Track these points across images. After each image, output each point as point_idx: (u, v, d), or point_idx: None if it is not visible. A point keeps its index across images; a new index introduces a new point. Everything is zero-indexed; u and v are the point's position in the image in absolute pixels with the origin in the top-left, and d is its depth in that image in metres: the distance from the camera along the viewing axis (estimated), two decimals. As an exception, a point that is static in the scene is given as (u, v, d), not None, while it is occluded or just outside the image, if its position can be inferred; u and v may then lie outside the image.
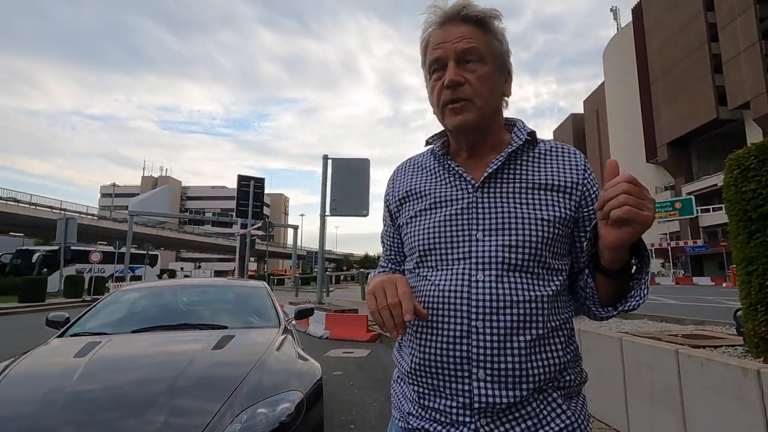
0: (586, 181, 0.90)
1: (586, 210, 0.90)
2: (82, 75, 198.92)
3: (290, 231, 48.19)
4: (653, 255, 45.15)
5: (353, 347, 7.61)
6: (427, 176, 0.97)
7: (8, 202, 35.97)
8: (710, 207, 41.19)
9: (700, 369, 2.41)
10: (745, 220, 2.46)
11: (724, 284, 27.92)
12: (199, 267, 71.94)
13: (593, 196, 0.90)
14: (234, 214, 21.90)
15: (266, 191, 22.44)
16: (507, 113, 0.97)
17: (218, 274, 63.34)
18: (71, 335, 2.90)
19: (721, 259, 37.72)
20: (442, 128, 0.98)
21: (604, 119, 66.40)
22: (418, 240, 0.91)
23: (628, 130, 56.54)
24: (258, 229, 22.88)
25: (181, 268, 68.58)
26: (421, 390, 0.87)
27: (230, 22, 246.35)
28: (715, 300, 14.75)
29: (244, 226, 21.22)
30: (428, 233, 0.89)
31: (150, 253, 33.43)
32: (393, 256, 1.07)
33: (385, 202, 1.07)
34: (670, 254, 41.90)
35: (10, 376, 2.10)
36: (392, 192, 1.03)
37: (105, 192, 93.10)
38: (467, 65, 0.85)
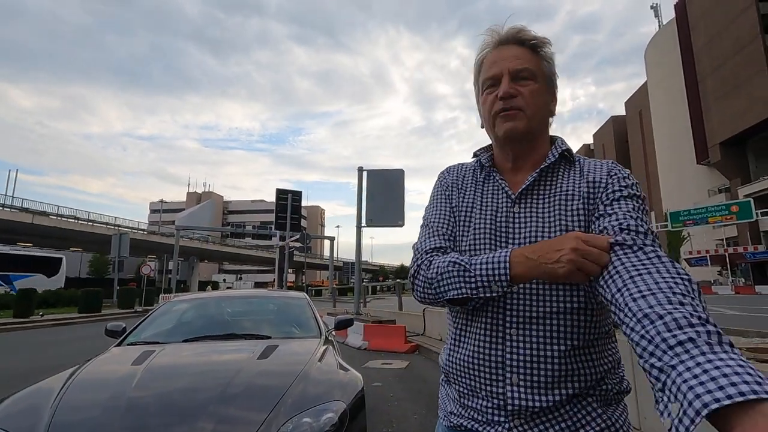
0: (611, 179, 0.88)
1: (609, 196, 0.86)
2: (131, 98, 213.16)
3: (327, 242, 48.98)
4: (709, 263, 42.10)
5: (392, 358, 7.59)
6: (473, 184, 1.02)
7: (69, 220, 38.76)
8: (772, 210, 38.20)
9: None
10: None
11: (792, 293, 25.66)
12: (240, 278, 74.42)
13: (616, 186, 0.86)
14: (273, 226, 22.55)
15: (303, 204, 23.02)
16: None
17: (258, 285, 65.21)
18: (128, 344, 3.08)
19: (787, 266, 34.73)
20: (486, 143, 1.04)
21: (648, 121, 63.41)
22: (464, 245, 0.95)
23: (674, 131, 53.69)
24: (296, 241, 23.41)
25: (224, 280, 71.25)
26: (461, 390, 0.92)
27: (265, 42, 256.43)
28: (782, 311, 13.57)
29: (282, 238, 21.78)
30: (472, 240, 0.93)
31: (47, 255, 29.50)
32: (448, 234, 0.96)
33: (439, 187, 1.04)
34: (727, 261, 38.99)
35: (77, 381, 2.26)
36: (448, 179, 1.05)
37: (154, 208, 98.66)
38: (520, 81, 0.92)
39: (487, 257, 0.82)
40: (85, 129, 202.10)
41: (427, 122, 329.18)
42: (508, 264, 0.79)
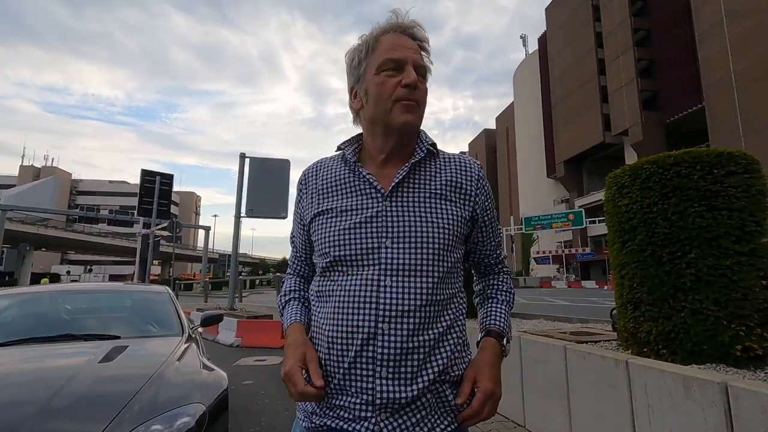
0: (480, 191, 1.00)
1: (481, 215, 1.01)
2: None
3: (201, 232, 45.07)
4: (551, 261, 50.41)
5: (266, 354, 7.32)
6: (337, 181, 0.99)
7: None
8: (596, 219, 46.94)
9: (583, 362, 2.71)
10: (619, 231, 2.84)
11: (606, 287, 31.82)
12: (90, 270, 64.04)
13: (486, 204, 1.02)
14: (135, 212, 19.92)
15: (175, 189, 20.78)
16: (427, 122, 1.05)
17: (114, 278, 56.95)
18: None
19: (604, 265, 43.06)
20: (355, 134, 1.03)
21: (513, 136, 72.48)
22: (329, 244, 0.93)
23: (533, 147, 62.32)
24: (163, 229, 21.02)
25: (68, 272, 60.31)
26: (330, 388, 0.90)
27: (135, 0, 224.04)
28: (598, 301, 16.79)
29: (147, 225, 19.41)
30: (339, 239, 0.92)
31: None
32: (302, 256, 1.10)
33: (296, 202, 1.09)
34: (564, 260, 46.97)
35: None
36: (303, 191, 1.05)
37: (-30, 182, 78.90)
38: (418, 77, 0.93)
39: (286, 316, 1.05)
40: None
41: (318, 114, 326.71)
42: (284, 332, 1.03)
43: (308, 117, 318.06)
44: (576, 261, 48.80)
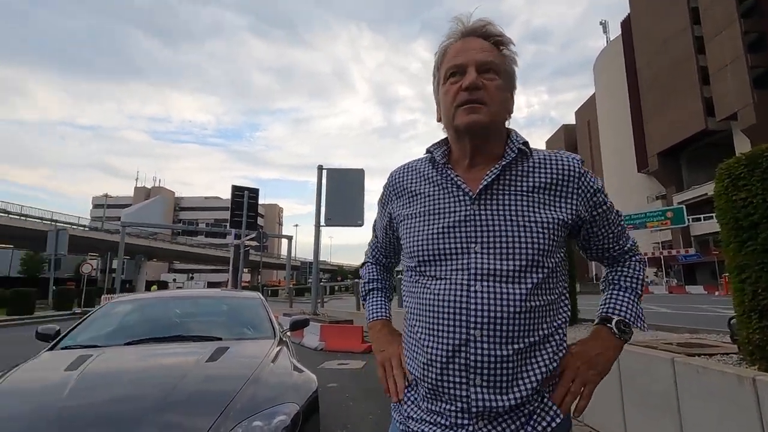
0: (582, 188, 0.93)
1: (588, 213, 0.95)
2: (70, 84, 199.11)
3: (284, 241, 47.98)
4: (647, 264, 45.50)
5: (348, 358, 7.54)
6: (425, 182, 0.99)
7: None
8: (701, 216, 41.63)
9: (697, 377, 2.41)
10: (736, 229, 2.48)
11: (717, 293, 28.09)
12: (192, 278, 71.30)
13: (592, 200, 0.95)
14: (228, 224, 21.79)
15: (260, 201, 22.39)
16: None
17: (211, 285, 62.73)
18: (62, 348, 2.85)
19: (713, 268, 38.02)
20: (440, 138, 1.02)
21: (596, 130, 67.29)
22: (417, 246, 0.93)
23: (619, 140, 57.29)
24: (252, 239, 22.75)
25: (174, 280, 67.92)
26: (422, 393, 0.90)
27: (220, 32, 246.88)
28: (708, 308, 14.83)
29: (238, 236, 21.09)
30: (427, 241, 0.91)
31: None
32: (382, 248, 1.19)
33: (381, 201, 1.11)
34: (662, 263, 42.19)
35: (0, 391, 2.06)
36: (392, 193, 1.06)
37: (97, 203, 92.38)
38: (485, 75, 0.90)
39: (370, 307, 1.14)
40: (15, 114, 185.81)
41: (388, 123, 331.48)
42: (367, 325, 1.13)
43: (378, 126, 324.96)
44: (678, 264, 43.59)
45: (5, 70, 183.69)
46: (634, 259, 1.04)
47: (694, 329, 4.40)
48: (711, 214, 34.42)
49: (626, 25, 54.37)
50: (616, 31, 60.48)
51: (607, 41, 67.29)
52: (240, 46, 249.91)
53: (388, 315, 1.12)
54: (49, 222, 39.16)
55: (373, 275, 1.19)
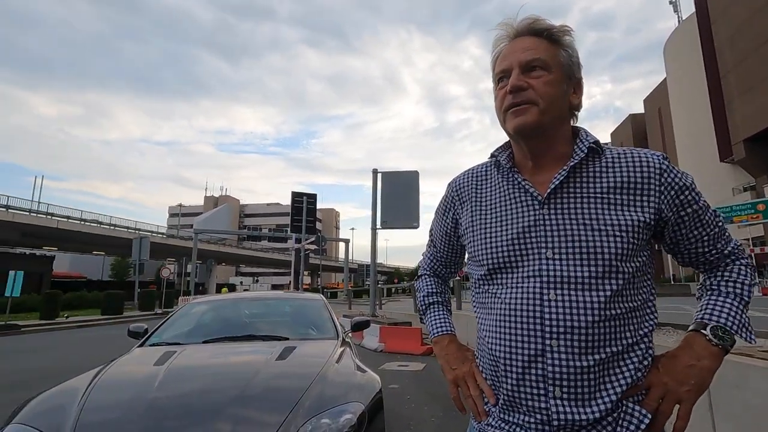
0: (666, 186, 0.86)
1: (674, 213, 0.87)
2: (148, 105, 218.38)
3: (342, 245, 49.16)
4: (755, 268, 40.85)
5: (408, 360, 7.55)
6: (491, 188, 0.97)
7: (92, 224, 39.80)
8: (801, 208, 36.78)
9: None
10: None
11: (824, 295, 24.64)
12: (257, 281, 75.19)
13: (678, 199, 0.86)
14: (289, 229, 22.74)
15: (317, 206, 23.17)
16: None
17: (275, 287, 65.82)
18: (150, 345, 3.13)
19: (817, 267, 33.43)
20: (503, 141, 1.00)
21: (668, 118, 61.95)
22: (487, 253, 0.91)
23: (696, 128, 52.34)
24: (311, 243, 23.57)
25: (241, 282, 72.12)
26: (500, 403, 0.88)
27: (276, 46, 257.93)
28: (813, 313, 13.05)
29: (298, 240, 21.92)
30: (497, 248, 0.89)
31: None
32: (442, 258, 1.15)
33: (441, 209, 1.08)
34: (754, 262, 37.79)
35: (102, 381, 2.30)
36: (455, 197, 1.04)
37: (173, 212, 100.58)
38: (532, 72, 0.86)
39: (433, 322, 1.10)
40: (104, 135, 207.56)
41: (440, 123, 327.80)
42: (429, 337, 1.09)
43: (431, 127, 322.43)
44: (772, 262, 38.88)
45: (95, 96, 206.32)
46: (738, 262, 0.91)
47: (797, 336, 3.90)
48: (813, 206, 30.29)
49: (701, 1, 49.57)
50: (688, 9, 55.23)
51: (678, 21, 61.81)
52: (295, 58, 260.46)
53: (452, 329, 1.08)
54: (133, 230, 43.26)
55: (432, 288, 1.15)
